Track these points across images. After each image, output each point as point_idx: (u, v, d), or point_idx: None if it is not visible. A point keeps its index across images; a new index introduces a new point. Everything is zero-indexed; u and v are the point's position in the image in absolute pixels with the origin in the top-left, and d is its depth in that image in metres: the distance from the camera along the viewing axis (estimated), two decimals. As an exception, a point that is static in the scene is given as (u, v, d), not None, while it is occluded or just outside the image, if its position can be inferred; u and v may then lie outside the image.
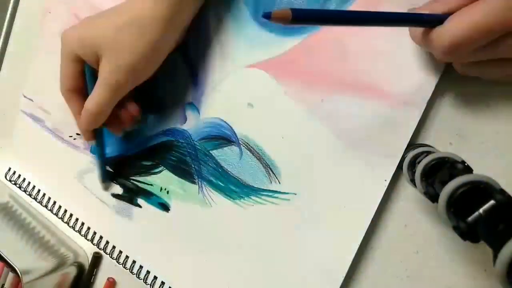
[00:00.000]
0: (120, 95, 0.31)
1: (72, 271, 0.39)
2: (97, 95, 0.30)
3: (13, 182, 0.43)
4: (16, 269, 0.35)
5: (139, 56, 0.29)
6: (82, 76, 0.32)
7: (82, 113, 0.31)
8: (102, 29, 0.29)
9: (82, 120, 0.32)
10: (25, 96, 0.43)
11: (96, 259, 0.39)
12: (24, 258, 0.37)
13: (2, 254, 0.36)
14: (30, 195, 0.42)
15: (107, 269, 0.39)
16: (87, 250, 0.39)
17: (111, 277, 0.38)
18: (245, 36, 0.31)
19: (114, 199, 0.37)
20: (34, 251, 0.38)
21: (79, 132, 0.40)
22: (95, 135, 0.34)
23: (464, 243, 0.25)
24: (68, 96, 0.32)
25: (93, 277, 0.39)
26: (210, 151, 0.33)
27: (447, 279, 0.26)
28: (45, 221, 0.42)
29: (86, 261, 0.39)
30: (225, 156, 0.32)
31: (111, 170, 0.37)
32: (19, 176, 0.43)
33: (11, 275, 0.39)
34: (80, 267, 0.39)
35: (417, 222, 0.27)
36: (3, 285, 0.39)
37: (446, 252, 0.26)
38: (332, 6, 0.28)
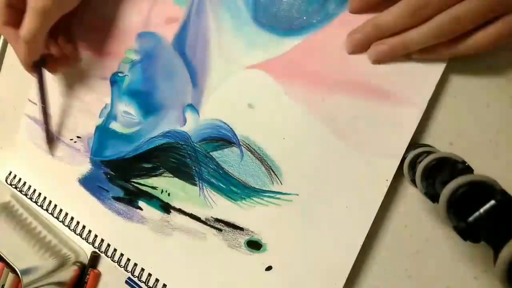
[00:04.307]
0: (49, 21, 0.33)
1: (73, 272, 0.39)
2: (27, 23, 0.32)
3: (13, 186, 0.43)
4: (16, 269, 0.35)
5: None
6: (12, 9, 0.34)
7: (19, 44, 0.34)
8: None
9: (20, 50, 0.35)
10: (30, 100, 0.43)
11: (94, 259, 0.39)
12: (25, 258, 0.37)
13: (2, 255, 0.36)
14: (31, 198, 0.42)
15: (108, 271, 0.39)
16: (88, 251, 0.39)
17: (96, 269, 0.38)
18: (244, 37, 0.31)
19: (115, 202, 0.37)
20: (35, 251, 0.38)
21: (79, 135, 0.40)
22: (35, 68, 0.37)
23: (465, 243, 0.25)
24: (4, 31, 0.35)
25: (87, 276, 0.39)
26: (211, 153, 0.33)
27: (447, 279, 0.26)
28: (47, 221, 0.42)
29: (86, 261, 0.39)
30: (226, 157, 0.32)
31: (113, 173, 0.37)
32: (20, 179, 0.43)
33: (11, 275, 0.39)
34: (81, 267, 0.39)
35: (417, 222, 0.27)
36: (3, 285, 0.39)
37: (446, 252, 0.26)
38: (331, 6, 0.28)
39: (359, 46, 0.27)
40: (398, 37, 0.24)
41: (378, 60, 0.26)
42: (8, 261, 0.36)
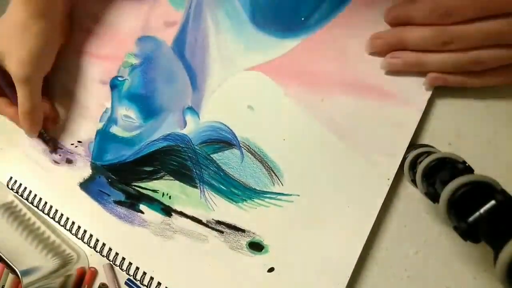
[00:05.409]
0: (37, 85, 0.37)
1: (74, 272, 0.39)
2: (20, 96, 0.36)
3: (14, 191, 0.43)
4: (16, 270, 0.34)
5: (33, 50, 0.35)
6: None
7: (21, 119, 0.37)
8: None
9: (26, 123, 0.37)
10: None
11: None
12: (26, 258, 0.37)
13: (2, 255, 0.36)
14: (32, 203, 0.42)
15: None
16: (87, 252, 0.39)
17: (92, 267, 0.38)
18: (243, 39, 0.31)
19: (116, 206, 0.37)
20: (38, 252, 0.38)
21: (80, 140, 0.40)
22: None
23: (465, 243, 0.25)
24: None
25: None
26: (211, 155, 0.33)
27: (447, 279, 0.26)
28: (50, 221, 0.42)
29: (86, 263, 0.39)
30: (226, 159, 0.32)
31: (114, 177, 0.38)
32: (20, 185, 0.43)
33: (11, 276, 0.39)
34: (81, 268, 0.39)
35: (418, 222, 0.27)
36: (3, 286, 0.39)
37: (446, 252, 0.26)
38: (329, 7, 0.28)
39: (379, 51, 0.27)
40: (415, 55, 0.25)
41: (389, 71, 0.27)
42: (8, 262, 0.35)
